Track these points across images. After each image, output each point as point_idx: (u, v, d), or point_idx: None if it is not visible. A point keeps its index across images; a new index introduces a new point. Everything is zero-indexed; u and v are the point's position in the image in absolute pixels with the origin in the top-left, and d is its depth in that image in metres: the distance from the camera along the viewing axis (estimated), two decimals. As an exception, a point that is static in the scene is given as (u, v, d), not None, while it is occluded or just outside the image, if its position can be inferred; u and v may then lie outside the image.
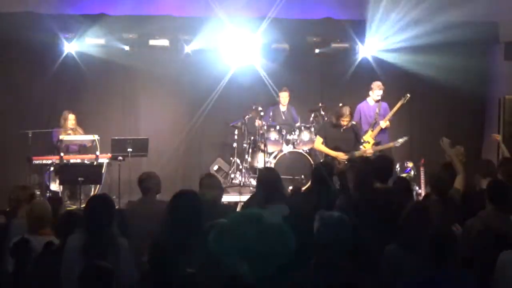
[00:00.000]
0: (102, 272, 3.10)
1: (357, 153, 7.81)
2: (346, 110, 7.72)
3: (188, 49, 9.35)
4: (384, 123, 8.28)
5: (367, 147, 8.29)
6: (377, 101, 8.47)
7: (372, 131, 8.31)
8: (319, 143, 7.99)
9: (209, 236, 2.96)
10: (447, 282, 3.20)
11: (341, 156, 7.73)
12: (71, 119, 8.56)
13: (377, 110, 8.41)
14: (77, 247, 3.52)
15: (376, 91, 8.43)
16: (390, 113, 8.35)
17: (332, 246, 3.10)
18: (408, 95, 8.38)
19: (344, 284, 3.01)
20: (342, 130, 7.78)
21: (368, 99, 8.56)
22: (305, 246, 3.35)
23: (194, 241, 3.35)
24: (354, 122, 8.08)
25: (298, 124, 9.09)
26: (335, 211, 3.61)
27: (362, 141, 8.10)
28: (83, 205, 7.72)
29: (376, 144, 8.33)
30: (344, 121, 7.70)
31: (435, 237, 3.33)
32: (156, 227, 4.45)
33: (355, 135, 7.91)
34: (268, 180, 4.66)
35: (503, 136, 8.52)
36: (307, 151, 8.84)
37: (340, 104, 8.80)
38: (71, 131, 8.53)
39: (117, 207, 8.05)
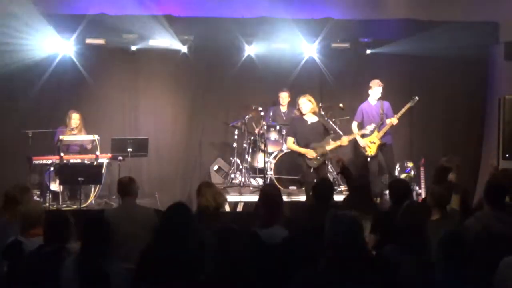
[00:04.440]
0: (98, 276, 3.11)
1: (328, 147, 7.58)
2: (302, 98, 7.62)
3: (188, 49, 9.36)
4: (395, 120, 8.20)
5: (373, 148, 8.28)
6: (379, 99, 8.45)
7: (378, 132, 8.30)
8: (291, 143, 7.73)
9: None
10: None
11: (311, 153, 7.50)
12: (75, 118, 8.57)
13: (380, 111, 8.39)
14: (73, 271, 3.52)
15: (376, 88, 8.40)
16: (399, 114, 8.30)
17: (344, 246, 3.08)
18: (417, 97, 8.32)
19: (354, 282, 3.01)
20: (309, 123, 7.67)
21: (369, 98, 8.55)
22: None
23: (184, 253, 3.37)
24: (322, 113, 8.07)
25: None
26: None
27: (332, 133, 7.87)
28: (83, 205, 7.80)
29: (382, 145, 8.31)
30: (304, 110, 7.58)
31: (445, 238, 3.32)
32: (139, 231, 4.50)
33: (324, 128, 7.74)
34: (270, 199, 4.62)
35: (503, 136, 8.52)
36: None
37: (341, 105, 8.88)
38: (76, 130, 8.55)
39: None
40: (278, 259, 3.72)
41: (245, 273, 3.24)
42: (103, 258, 3.47)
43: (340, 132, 8.96)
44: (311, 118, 7.67)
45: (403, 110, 8.29)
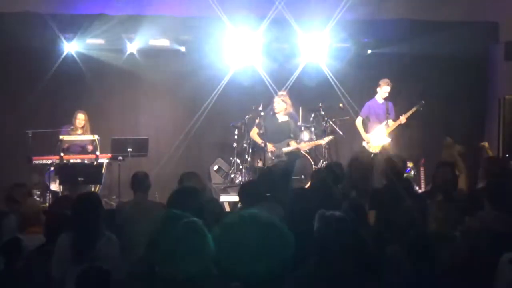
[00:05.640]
0: (99, 274, 3.10)
1: (285, 150, 7.93)
2: (277, 98, 7.99)
3: (187, 49, 9.35)
4: (404, 119, 8.41)
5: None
6: (385, 99, 8.54)
7: (386, 129, 8.43)
8: (254, 133, 8.21)
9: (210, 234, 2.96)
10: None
11: (270, 148, 7.89)
12: (80, 118, 8.55)
13: (386, 110, 8.49)
14: (67, 246, 3.54)
15: (384, 87, 8.51)
16: (407, 114, 8.47)
17: (333, 246, 3.07)
18: (423, 102, 8.53)
19: (345, 283, 3.00)
20: (279, 122, 7.94)
21: (376, 96, 8.61)
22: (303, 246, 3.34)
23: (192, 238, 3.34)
24: (292, 112, 8.27)
25: (299, 123, 9.09)
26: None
27: (292, 136, 8.16)
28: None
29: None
30: (277, 109, 7.97)
31: (414, 239, 3.34)
32: (151, 225, 4.50)
33: (289, 128, 8.04)
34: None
35: (503, 136, 8.54)
36: (307, 151, 8.84)
37: (341, 105, 8.89)
38: (81, 131, 8.54)
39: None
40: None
41: None
42: (98, 239, 3.49)
43: (340, 132, 8.99)
44: (282, 117, 8.06)
45: (411, 112, 8.42)
